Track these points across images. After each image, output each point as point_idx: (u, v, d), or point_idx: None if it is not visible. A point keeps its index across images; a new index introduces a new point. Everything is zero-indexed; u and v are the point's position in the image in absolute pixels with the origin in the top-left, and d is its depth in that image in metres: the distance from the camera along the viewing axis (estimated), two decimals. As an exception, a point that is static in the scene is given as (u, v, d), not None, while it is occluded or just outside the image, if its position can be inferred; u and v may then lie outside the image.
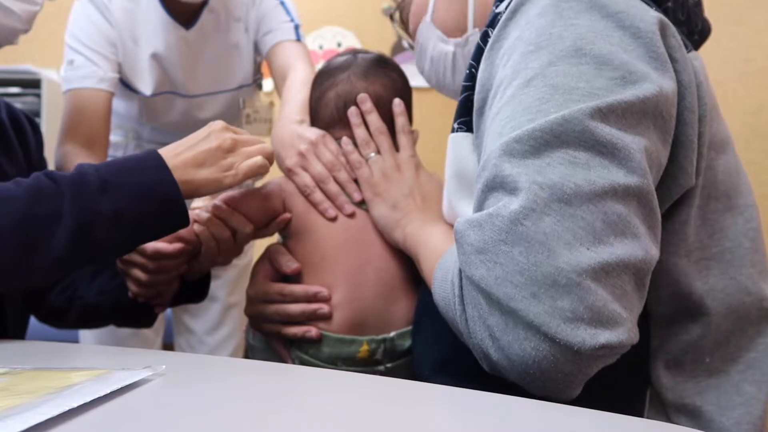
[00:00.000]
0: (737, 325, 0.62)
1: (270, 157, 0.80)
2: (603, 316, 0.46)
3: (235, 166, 0.76)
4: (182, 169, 0.73)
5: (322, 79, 0.94)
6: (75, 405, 0.38)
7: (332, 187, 0.86)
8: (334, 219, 0.85)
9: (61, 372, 0.49)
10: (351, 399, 0.46)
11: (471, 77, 0.66)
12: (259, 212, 0.85)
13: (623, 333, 0.47)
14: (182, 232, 0.83)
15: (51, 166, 1.06)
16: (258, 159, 0.78)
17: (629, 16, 0.55)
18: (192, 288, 0.96)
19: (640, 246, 0.49)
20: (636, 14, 0.56)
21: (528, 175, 0.49)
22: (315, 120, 0.94)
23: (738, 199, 0.63)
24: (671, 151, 0.57)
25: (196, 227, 0.84)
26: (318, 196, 0.86)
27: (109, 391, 0.42)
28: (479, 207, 0.54)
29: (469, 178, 0.66)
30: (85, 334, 1.47)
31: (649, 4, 0.60)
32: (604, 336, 0.46)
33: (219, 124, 0.79)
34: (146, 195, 0.70)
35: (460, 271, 0.54)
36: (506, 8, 0.62)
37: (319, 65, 1.03)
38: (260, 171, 0.78)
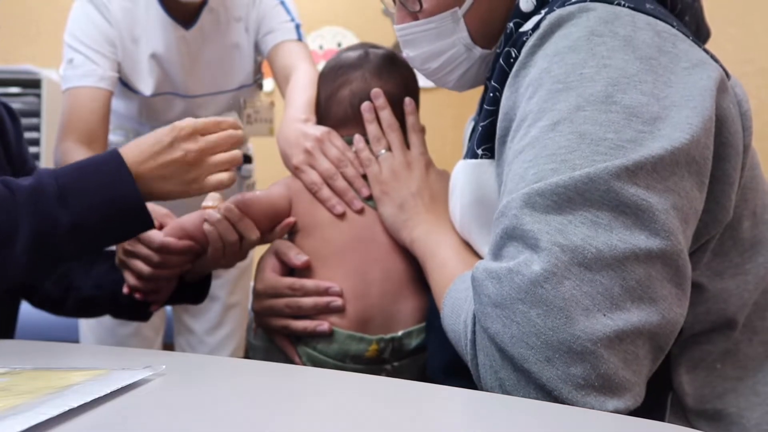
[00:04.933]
0: (745, 335, 0.62)
1: (238, 163, 0.79)
2: (613, 383, 0.47)
3: (200, 179, 0.75)
4: (145, 180, 0.72)
5: (334, 76, 0.92)
6: (75, 405, 0.38)
7: (340, 184, 0.86)
8: (342, 215, 0.85)
9: (61, 372, 0.49)
10: (353, 400, 0.46)
11: (494, 101, 0.64)
12: (266, 218, 0.85)
13: (630, 399, 0.48)
14: (191, 229, 0.84)
15: (48, 163, 1.05)
16: (223, 176, 0.77)
17: (661, 64, 0.54)
18: (192, 288, 0.96)
19: (657, 311, 0.48)
20: (670, 60, 0.54)
21: (549, 234, 0.48)
22: (325, 118, 0.93)
23: (764, 214, 0.63)
24: (708, 188, 0.55)
25: (205, 226, 0.83)
26: (325, 192, 0.86)
27: (109, 391, 0.42)
28: (496, 251, 0.53)
29: (492, 206, 0.65)
30: (86, 334, 1.47)
31: (670, 22, 0.58)
32: (612, 403, 0.47)
33: (186, 129, 0.75)
34: (107, 203, 0.68)
35: (474, 316, 0.54)
36: (532, 30, 0.59)
37: (320, 65, 1.03)
38: (226, 186, 0.78)
